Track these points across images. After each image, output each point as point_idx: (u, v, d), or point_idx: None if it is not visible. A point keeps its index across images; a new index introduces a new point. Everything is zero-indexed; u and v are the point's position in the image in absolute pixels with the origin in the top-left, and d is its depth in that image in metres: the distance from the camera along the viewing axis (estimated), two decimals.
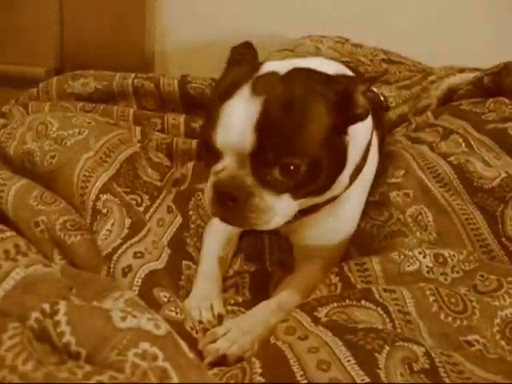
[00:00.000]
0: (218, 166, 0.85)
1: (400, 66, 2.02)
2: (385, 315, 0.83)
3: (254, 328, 0.88)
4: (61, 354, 0.56)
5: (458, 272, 0.97)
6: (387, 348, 0.72)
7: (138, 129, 1.56)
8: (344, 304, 0.86)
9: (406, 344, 0.73)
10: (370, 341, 0.73)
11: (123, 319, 0.60)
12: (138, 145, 1.36)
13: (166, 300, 0.87)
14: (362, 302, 0.86)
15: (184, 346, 0.60)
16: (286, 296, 0.98)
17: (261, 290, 1.05)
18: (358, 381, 0.67)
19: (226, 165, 0.84)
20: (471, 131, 1.31)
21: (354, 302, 0.86)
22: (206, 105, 0.94)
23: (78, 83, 1.74)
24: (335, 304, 0.87)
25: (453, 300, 0.88)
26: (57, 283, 0.64)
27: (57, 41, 2.15)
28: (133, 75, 1.77)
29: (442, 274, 0.97)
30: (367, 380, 0.67)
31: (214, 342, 0.83)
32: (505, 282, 0.90)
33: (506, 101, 1.40)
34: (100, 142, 1.17)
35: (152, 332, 0.59)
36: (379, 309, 0.84)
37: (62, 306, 0.59)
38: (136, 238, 0.98)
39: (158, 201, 1.16)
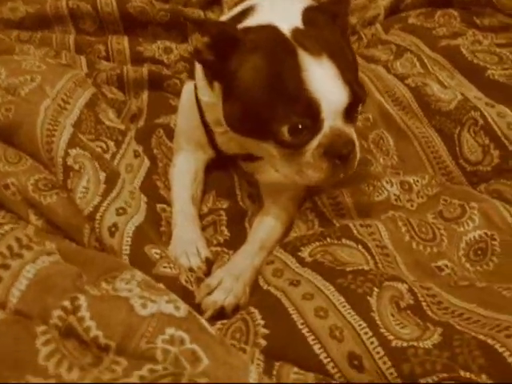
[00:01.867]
0: (319, 136, 0.88)
1: None
2: (366, 253, 0.89)
3: (243, 272, 0.92)
4: (91, 349, 0.58)
5: (422, 197, 1.04)
6: (376, 290, 0.78)
7: (83, 59, 1.49)
8: (325, 243, 0.92)
9: (391, 283, 0.80)
10: (360, 284, 0.79)
11: (144, 306, 0.62)
12: (90, 81, 1.30)
13: (158, 257, 0.89)
14: (343, 240, 0.92)
15: (205, 323, 0.64)
16: (264, 233, 1.01)
17: (238, 226, 1.08)
18: (356, 326, 0.73)
19: (327, 129, 0.87)
20: (424, 49, 1.34)
21: (336, 241, 0.92)
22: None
23: (5, 8, 1.61)
24: (317, 243, 0.92)
25: (423, 229, 0.96)
26: (68, 274, 0.64)
27: None
28: None
29: (408, 200, 1.04)
30: (364, 325, 0.73)
31: (210, 293, 0.87)
32: (468, 208, 0.98)
33: (455, 13, 1.42)
34: (56, 88, 1.11)
35: (174, 315, 0.62)
36: (360, 246, 0.90)
37: (83, 301, 0.60)
38: (114, 193, 0.97)
39: (124, 146, 1.13)
